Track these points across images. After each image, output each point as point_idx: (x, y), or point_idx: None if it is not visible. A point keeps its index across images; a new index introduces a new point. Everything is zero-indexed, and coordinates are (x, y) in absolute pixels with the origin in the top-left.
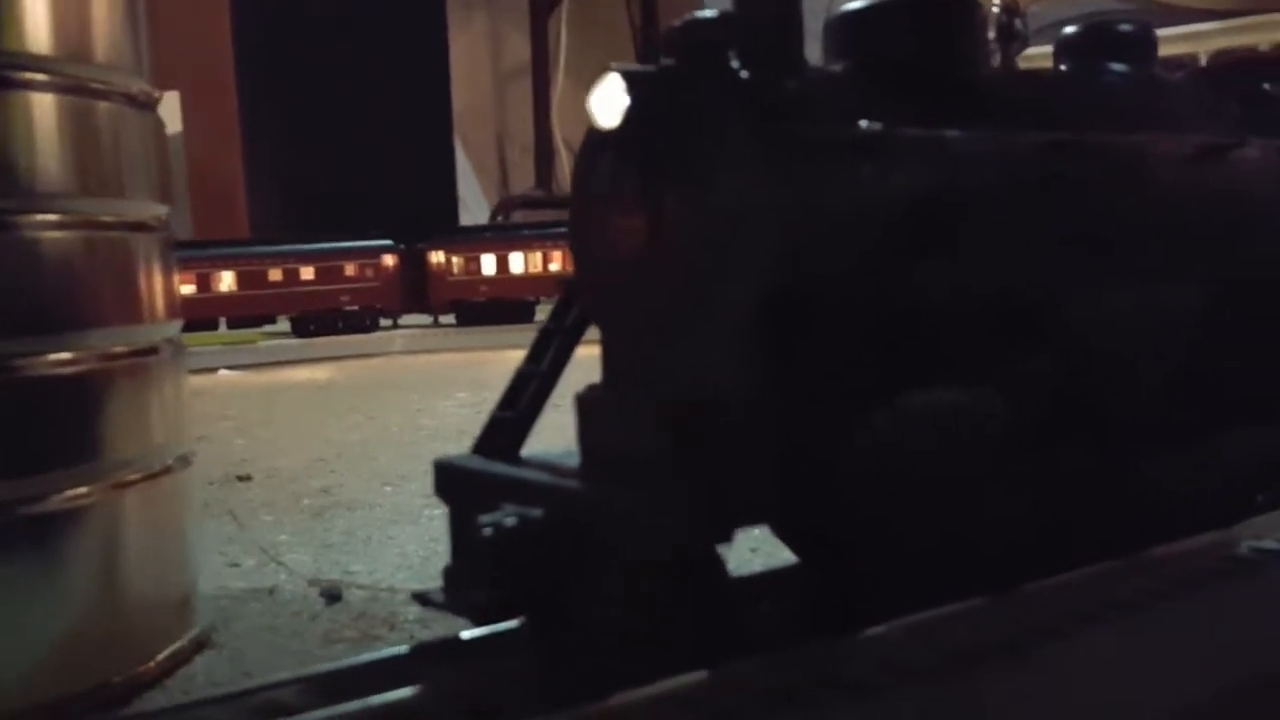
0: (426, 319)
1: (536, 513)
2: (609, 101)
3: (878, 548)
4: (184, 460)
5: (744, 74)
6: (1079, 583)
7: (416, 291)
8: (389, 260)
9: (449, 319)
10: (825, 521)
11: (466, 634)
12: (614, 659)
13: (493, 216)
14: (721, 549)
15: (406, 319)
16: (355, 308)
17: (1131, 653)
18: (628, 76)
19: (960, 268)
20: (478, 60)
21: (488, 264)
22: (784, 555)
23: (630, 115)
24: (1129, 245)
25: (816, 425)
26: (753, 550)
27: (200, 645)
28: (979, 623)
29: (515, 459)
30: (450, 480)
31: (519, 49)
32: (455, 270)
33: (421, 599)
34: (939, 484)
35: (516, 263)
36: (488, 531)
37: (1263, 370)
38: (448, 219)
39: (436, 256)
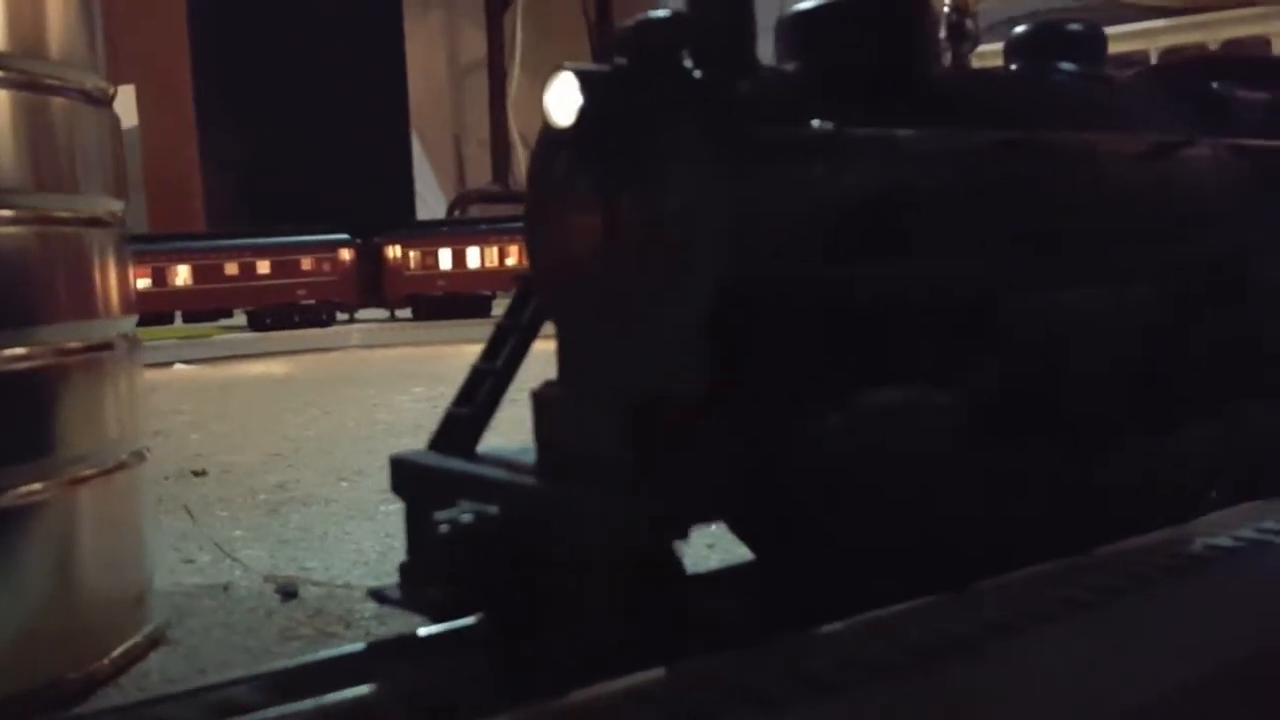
0: (383, 313)
1: (493, 509)
2: (563, 100)
3: (832, 545)
4: (139, 456)
5: (697, 74)
6: (1034, 580)
7: (373, 286)
8: (345, 254)
9: (405, 313)
10: (780, 519)
11: (423, 631)
12: (571, 656)
13: (449, 211)
14: (678, 546)
15: (363, 313)
16: (312, 302)
17: (1087, 650)
18: (581, 76)
19: (913, 266)
20: (434, 55)
21: (444, 258)
22: (741, 552)
23: (584, 114)
24: (1080, 243)
25: (770, 423)
26: (710, 546)
27: (155, 642)
28: (936, 620)
29: (471, 455)
30: (406, 476)
31: (475, 44)
32: (412, 265)
33: (377, 596)
34: (892, 482)
35: (473, 257)
36: (444, 528)
37: (1212, 366)
38: (404, 213)
39: (393, 251)
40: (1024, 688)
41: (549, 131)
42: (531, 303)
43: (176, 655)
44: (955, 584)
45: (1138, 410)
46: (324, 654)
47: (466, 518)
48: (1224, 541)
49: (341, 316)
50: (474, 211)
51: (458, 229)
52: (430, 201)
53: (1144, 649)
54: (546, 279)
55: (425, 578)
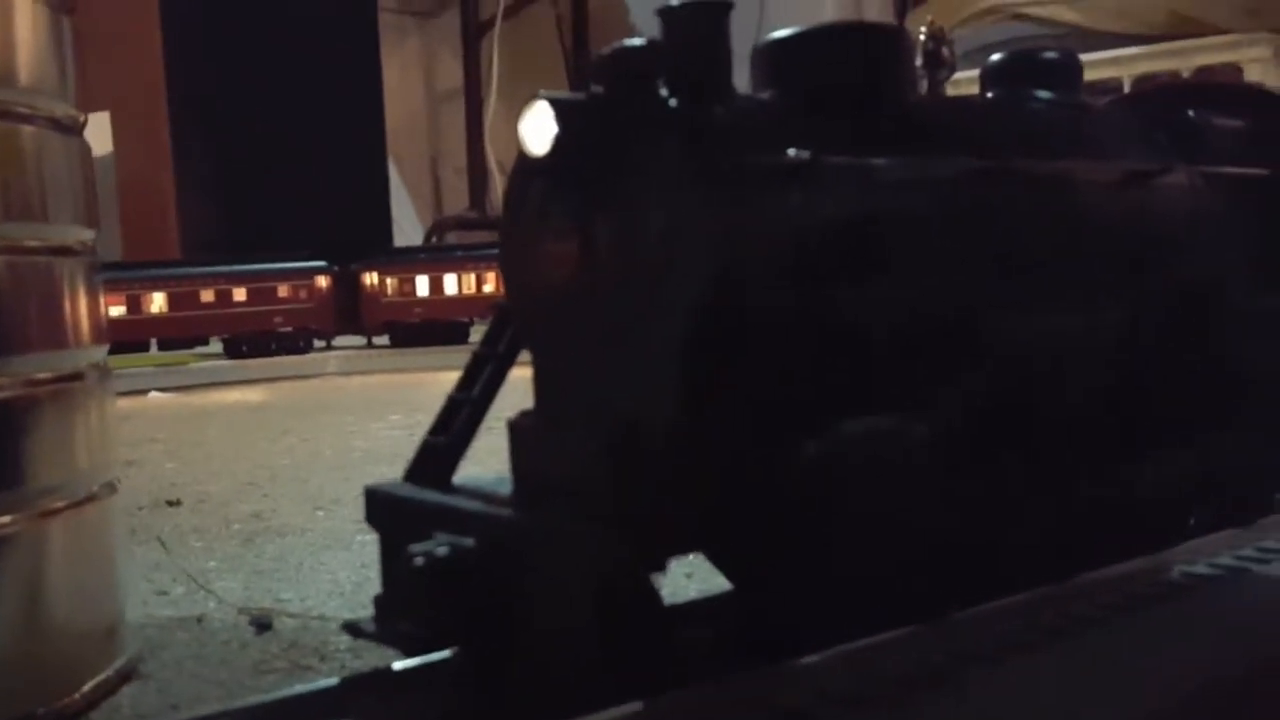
0: (360, 340)
1: (468, 541)
2: (538, 129)
3: (810, 576)
4: (110, 487)
5: (673, 102)
6: (1012, 610)
7: (350, 313)
8: (322, 281)
9: (383, 340)
10: (758, 549)
11: (398, 665)
12: (547, 690)
13: (427, 238)
14: (656, 577)
15: (340, 340)
16: (288, 329)
17: (1066, 680)
18: (556, 104)
19: (889, 294)
20: (411, 82)
21: (422, 285)
22: (719, 581)
23: (560, 143)
24: (1057, 270)
25: (748, 452)
26: (688, 576)
27: (127, 676)
28: (913, 651)
29: (447, 486)
30: (381, 507)
31: (452, 71)
32: (389, 291)
33: (352, 629)
34: (871, 512)
35: (450, 284)
36: (419, 560)
37: (1189, 392)
38: (381, 240)
39: (370, 277)
40: (1008, 718)
41: (524, 160)
42: (508, 331)
43: (149, 689)
44: (934, 614)
45: (1116, 438)
46: (297, 689)
47: (441, 550)
48: (1202, 570)
49: (318, 344)
50: (451, 238)
51: (435, 256)
52: (407, 228)
53: (1123, 678)
54: (523, 307)
55: (400, 611)
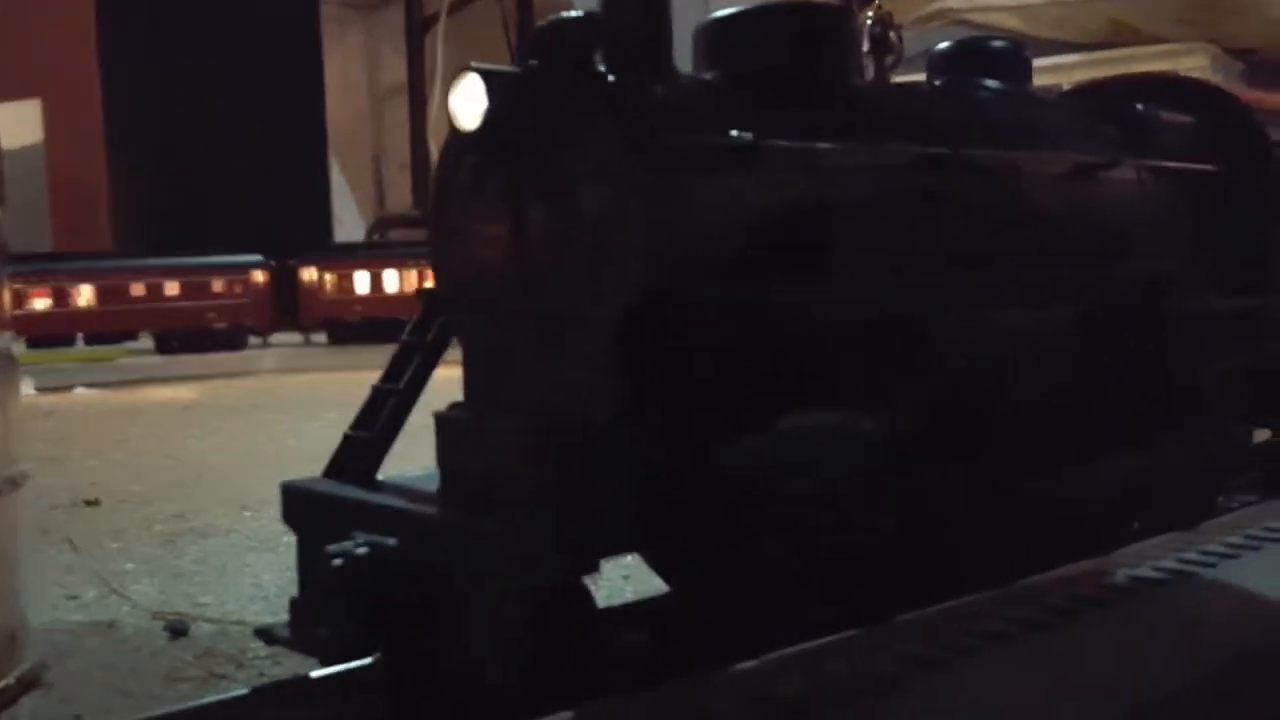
0: (298, 337)
1: (390, 541)
2: (469, 103)
3: (750, 577)
4: (12, 482)
5: (610, 78)
6: (956, 614)
7: (287, 309)
8: (259, 276)
9: (321, 338)
10: (695, 549)
11: (316, 674)
12: (474, 699)
13: (369, 235)
14: (589, 579)
15: (277, 337)
16: (223, 325)
17: (1010, 685)
18: (487, 77)
19: (833, 284)
20: (353, 77)
21: (361, 282)
22: (657, 584)
23: (491, 118)
24: (1003, 263)
25: (685, 448)
26: (625, 578)
27: (28, 684)
28: (855, 655)
29: (370, 482)
30: (299, 505)
31: (395, 67)
32: (328, 288)
33: (265, 636)
34: (812, 510)
35: (391, 281)
36: (337, 562)
37: (1134, 392)
38: (321, 236)
39: (309, 274)
40: None
41: (456, 136)
42: (437, 319)
43: (51, 699)
44: (876, 617)
45: (1061, 437)
46: (207, 699)
47: (361, 550)
48: (1146, 573)
49: (254, 340)
50: (394, 236)
51: (375, 252)
52: (349, 225)
53: (1067, 684)
54: (452, 293)
55: (317, 615)
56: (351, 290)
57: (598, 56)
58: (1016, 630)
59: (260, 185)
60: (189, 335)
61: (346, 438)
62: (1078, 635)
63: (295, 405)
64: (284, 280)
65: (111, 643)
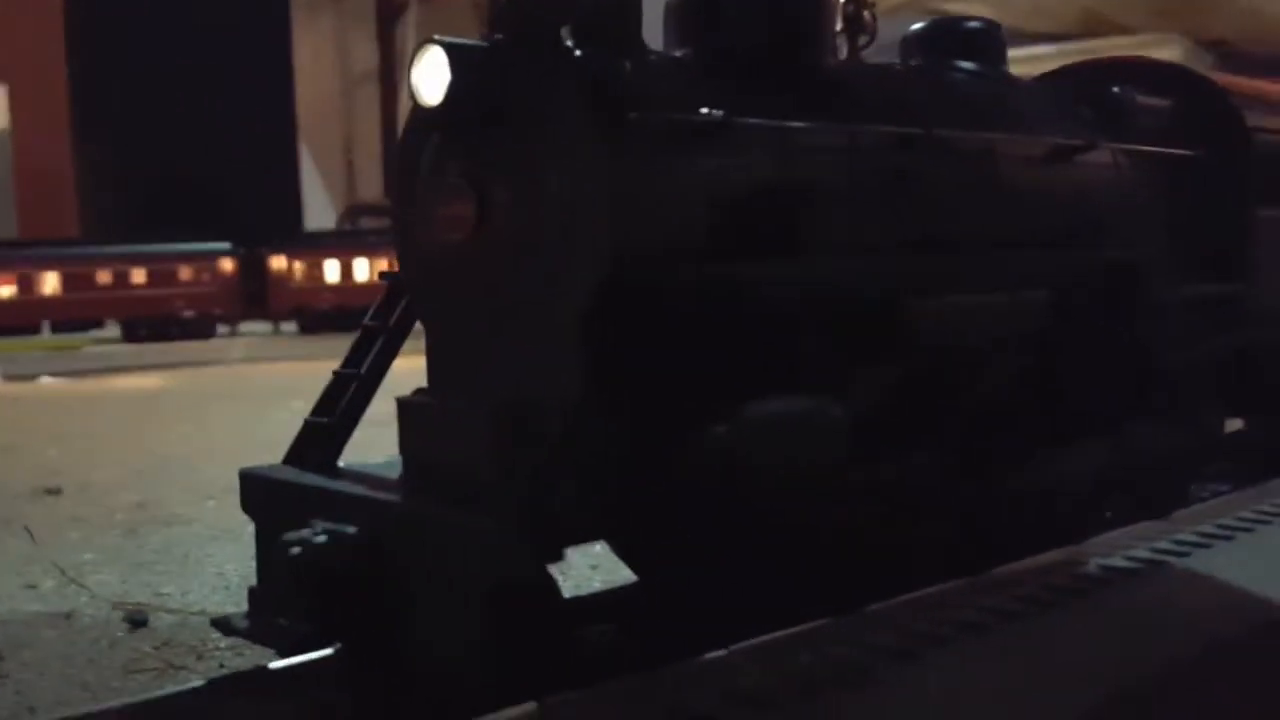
0: (267, 326)
1: (350, 530)
2: (431, 77)
3: (716, 565)
4: None
5: (578, 54)
6: (927, 603)
7: (256, 297)
8: (227, 264)
9: (290, 326)
10: (662, 537)
11: (274, 665)
12: (436, 690)
13: (340, 222)
14: (554, 568)
15: (245, 326)
16: (190, 313)
17: (982, 675)
18: (451, 50)
19: (803, 266)
20: (324, 64)
21: (331, 270)
22: (627, 573)
23: (454, 92)
24: (976, 245)
25: (653, 434)
26: (593, 567)
27: None
28: (825, 645)
29: (331, 470)
30: (257, 493)
31: (367, 54)
32: (297, 276)
33: (222, 626)
34: (781, 498)
35: (361, 269)
36: (294, 550)
37: (1107, 378)
38: (291, 224)
39: (278, 262)
40: (916, 716)
41: (418, 111)
42: (400, 303)
43: (6, 691)
44: (846, 606)
45: (1034, 424)
46: (163, 691)
47: (320, 539)
48: (1119, 563)
49: (222, 329)
50: (366, 224)
51: (346, 240)
52: (319, 212)
53: (1039, 674)
54: (415, 276)
55: (275, 606)
56: (321, 278)
57: (566, 31)
58: (989, 619)
59: (229, 172)
60: (156, 324)
61: (307, 424)
62: (1051, 625)
63: (263, 394)
64: (253, 268)
65: (69, 634)
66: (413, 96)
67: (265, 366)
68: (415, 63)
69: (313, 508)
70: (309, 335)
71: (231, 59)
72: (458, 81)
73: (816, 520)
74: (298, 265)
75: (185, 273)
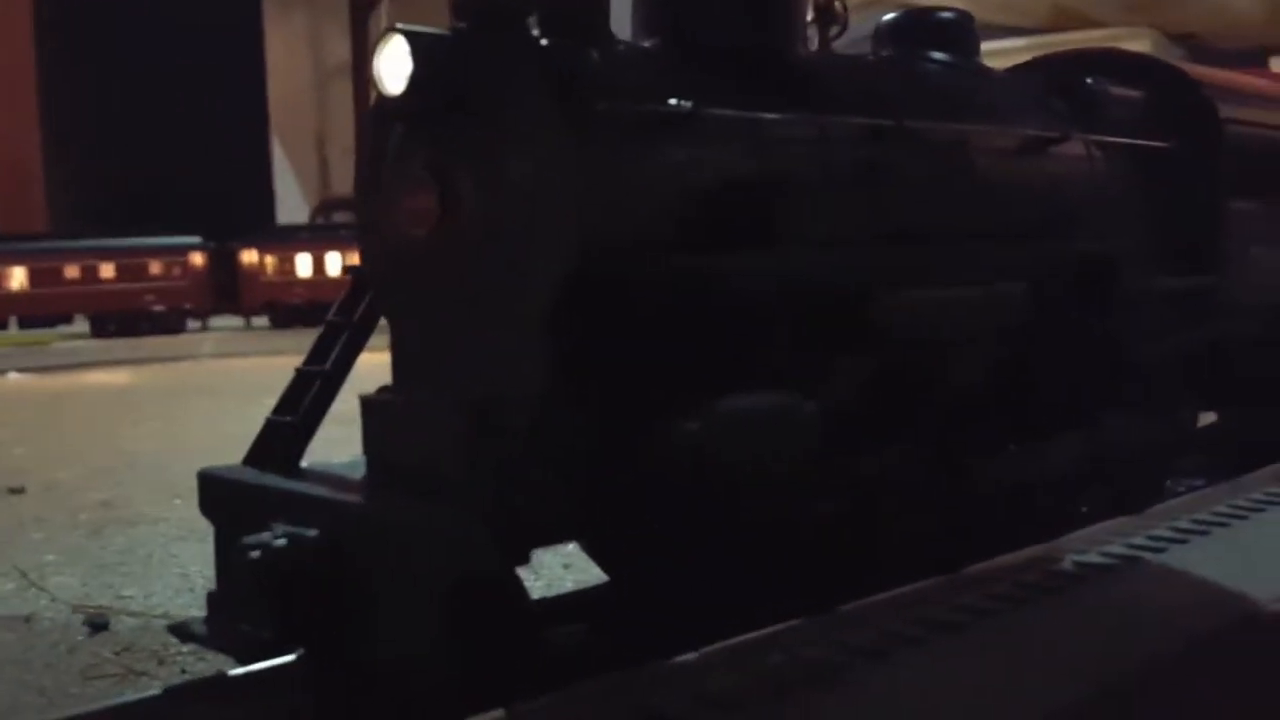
0: (238, 321)
1: (311, 532)
2: (394, 66)
3: (687, 565)
4: None
5: (543, 42)
6: (901, 601)
7: (227, 292)
8: (197, 258)
9: (262, 321)
10: (632, 536)
11: (235, 672)
12: (402, 696)
13: (313, 217)
14: (523, 569)
15: (216, 321)
16: (160, 308)
17: (957, 675)
18: (413, 39)
19: (773, 259)
20: (297, 58)
21: (303, 264)
22: (599, 572)
23: (417, 82)
24: (950, 238)
25: (621, 430)
26: (565, 566)
27: None
28: (798, 645)
29: (293, 470)
30: (217, 494)
31: (339, 47)
32: (269, 270)
33: (180, 632)
34: (753, 496)
35: (334, 264)
36: (254, 554)
37: (1081, 372)
38: (263, 217)
39: (249, 256)
40: (889, 717)
41: (382, 101)
42: (365, 297)
43: None
44: (820, 606)
45: (1007, 416)
46: (119, 700)
47: (279, 542)
48: (1095, 559)
49: (193, 324)
50: (339, 218)
51: (318, 234)
52: (292, 207)
53: (1015, 673)
54: (379, 269)
55: (234, 611)
56: (293, 273)
57: (531, 20)
58: (964, 618)
59: (200, 166)
60: (125, 319)
61: (268, 423)
62: (1026, 623)
63: (233, 390)
64: (224, 262)
65: (28, 637)
66: (375, 86)
67: (236, 362)
68: (378, 52)
69: (273, 510)
70: (281, 330)
71: (202, 52)
72: (420, 71)
73: (788, 517)
74: (269, 259)
75: (155, 267)
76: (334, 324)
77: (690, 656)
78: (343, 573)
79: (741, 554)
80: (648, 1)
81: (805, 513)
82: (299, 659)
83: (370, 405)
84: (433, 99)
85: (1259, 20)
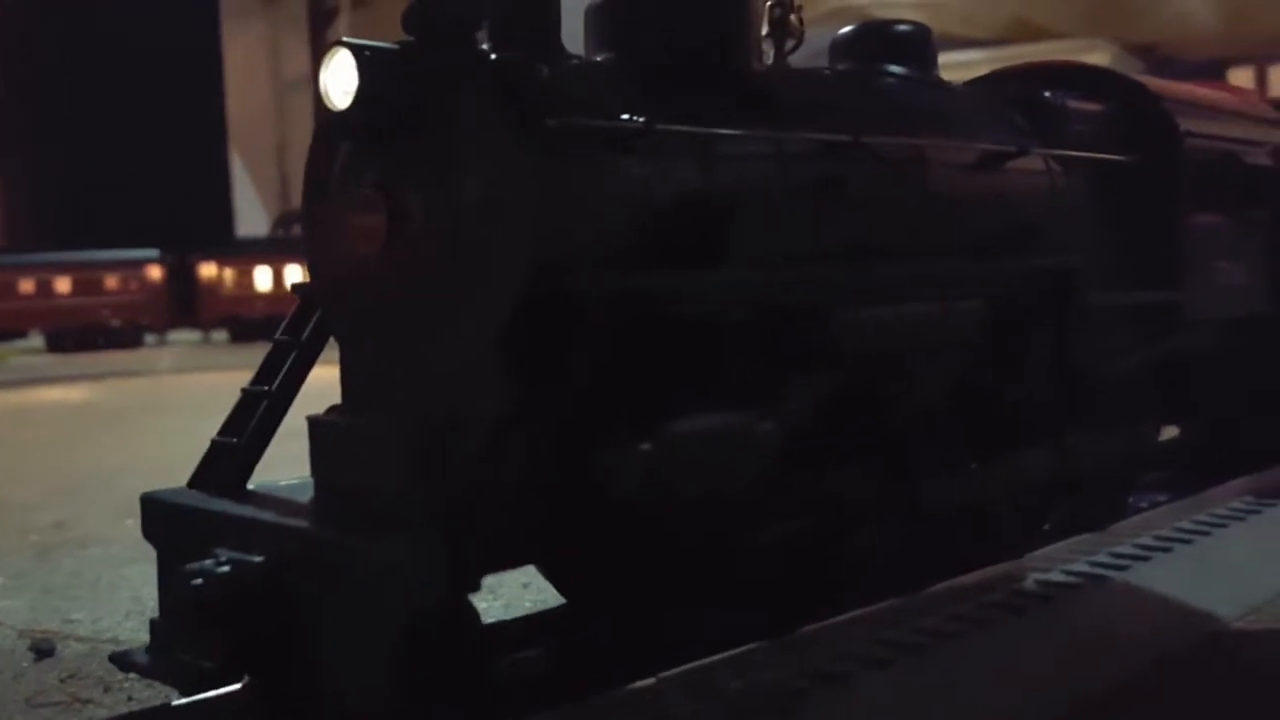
0: (197, 335)
1: (256, 559)
2: (340, 81)
3: (647, 588)
4: None
5: (494, 57)
6: (862, 623)
7: (185, 306)
8: (154, 272)
9: (221, 335)
10: (588, 560)
11: (178, 703)
12: None
13: (273, 230)
14: (488, 588)
15: (175, 335)
16: (117, 323)
17: (919, 698)
18: (359, 53)
19: (729, 276)
20: (256, 69)
21: (263, 278)
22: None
23: (363, 97)
24: (907, 253)
25: (575, 453)
26: (524, 586)
27: None
28: (756, 670)
29: (239, 493)
30: (160, 519)
31: (299, 59)
32: (228, 284)
33: (121, 661)
34: (711, 517)
35: (294, 277)
36: (196, 582)
37: (1042, 389)
38: (222, 230)
39: (208, 269)
40: None
41: (328, 116)
42: (313, 316)
43: None
44: (779, 629)
45: (967, 434)
46: None
47: (223, 569)
48: (1058, 578)
49: (150, 339)
50: (299, 231)
51: (278, 247)
52: (252, 219)
53: (979, 696)
54: (327, 288)
55: (176, 640)
56: (253, 286)
57: (481, 33)
58: (925, 640)
59: (157, 178)
60: (82, 334)
61: (213, 444)
62: (989, 644)
63: (192, 406)
64: (182, 276)
65: None
66: (321, 101)
67: (195, 377)
68: (324, 66)
69: (217, 535)
70: (240, 344)
71: (160, 63)
72: (367, 85)
73: (746, 538)
74: (228, 273)
75: (111, 281)
76: (282, 343)
77: (648, 683)
78: (289, 601)
79: (699, 577)
80: (600, 16)
81: (763, 534)
82: (244, 691)
83: (318, 427)
84: (380, 114)
85: (1218, 32)
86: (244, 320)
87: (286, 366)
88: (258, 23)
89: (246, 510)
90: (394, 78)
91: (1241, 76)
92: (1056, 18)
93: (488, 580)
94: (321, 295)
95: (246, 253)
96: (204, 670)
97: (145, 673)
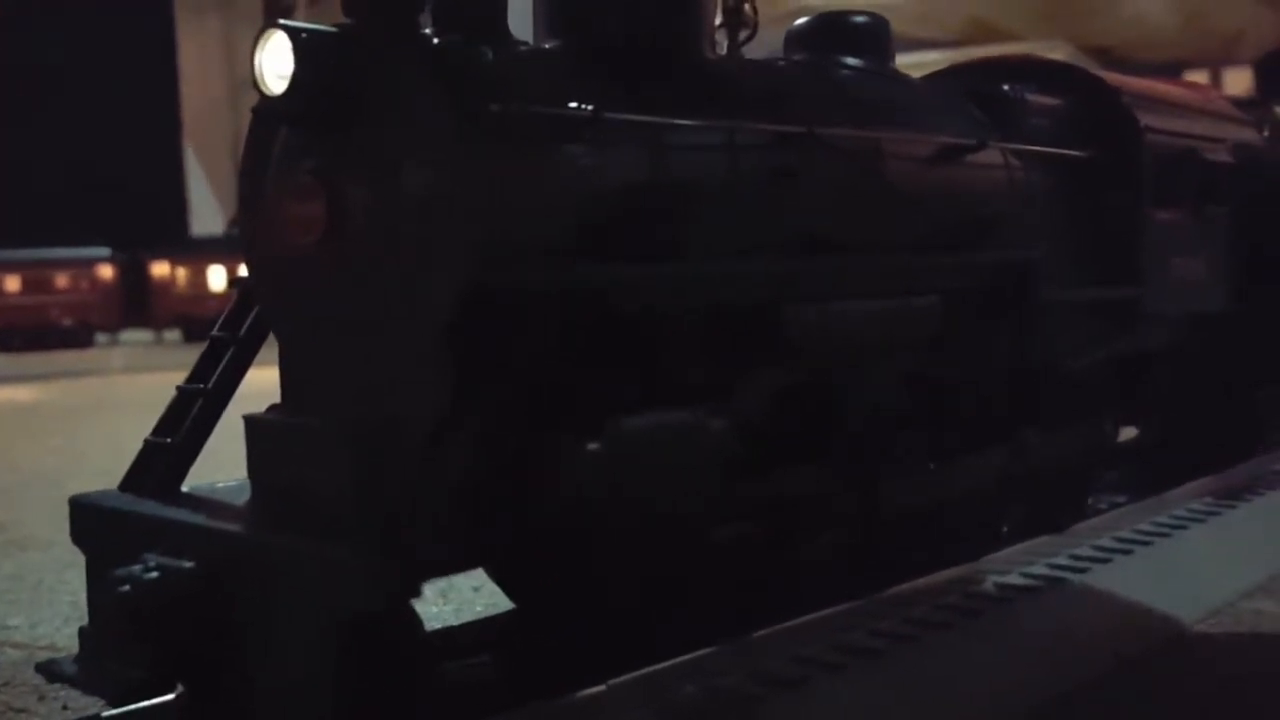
0: (149, 335)
1: (186, 564)
2: (275, 65)
3: (592, 592)
4: None
5: (436, 41)
6: (816, 627)
7: (138, 305)
8: (106, 271)
9: (174, 335)
10: (534, 563)
11: (108, 714)
12: None
13: (228, 228)
14: (438, 592)
15: (126, 335)
16: (68, 322)
17: (877, 703)
18: (295, 36)
19: (682, 272)
20: (211, 65)
21: (217, 277)
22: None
23: (299, 83)
24: (863, 247)
25: (520, 454)
26: (475, 589)
27: None
28: (708, 676)
29: (172, 495)
30: (89, 522)
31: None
32: (181, 283)
33: (48, 671)
34: (658, 519)
35: None
36: (123, 588)
37: (1000, 386)
38: (176, 228)
39: (160, 268)
40: None
41: (264, 102)
42: (251, 311)
43: None
44: (733, 633)
45: (924, 433)
46: None
47: (151, 575)
48: (1016, 580)
49: (102, 338)
50: None
51: (232, 246)
52: (207, 217)
53: (936, 701)
54: (264, 282)
55: (104, 649)
56: (206, 285)
57: (423, 17)
58: (882, 644)
59: (109, 174)
60: (31, 333)
61: (146, 445)
62: (946, 648)
63: (143, 407)
64: (134, 274)
65: None
66: (256, 85)
67: (147, 377)
68: (258, 48)
69: (148, 539)
70: (194, 344)
71: (112, 59)
72: (303, 70)
73: (697, 540)
74: (181, 272)
75: (62, 280)
76: (218, 339)
77: (599, 689)
78: (222, 608)
79: (649, 580)
80: (549, 3)
81: (716, 534)
82: (175, 701)
83: (255, 426)
84: (317, 100)
85: (1175, 34)
86: (197, 319)
87: (223, 364)
88: (213, 19)
89: (178, 513)
90: (332, 62)
91: (1197, 79)
92: (1013, 19)
93: (439, 584)
94: (259, 289)
95: (199, 252)
96: (134, 680)
97: (74, 683)
